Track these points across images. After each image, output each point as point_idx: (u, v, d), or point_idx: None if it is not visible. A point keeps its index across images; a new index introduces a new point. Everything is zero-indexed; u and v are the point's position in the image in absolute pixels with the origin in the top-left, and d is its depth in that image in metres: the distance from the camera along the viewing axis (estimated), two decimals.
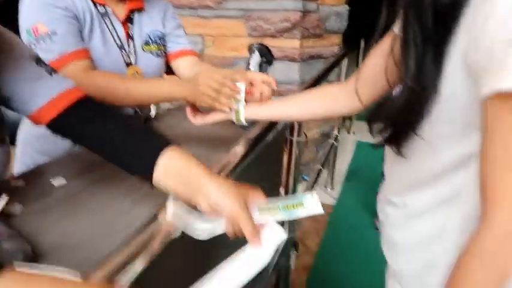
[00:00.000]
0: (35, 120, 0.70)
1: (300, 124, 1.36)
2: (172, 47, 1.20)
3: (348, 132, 3.77)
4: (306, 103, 0.87)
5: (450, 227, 0.62)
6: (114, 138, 0.66)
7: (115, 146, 0.66)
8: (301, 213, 0.59)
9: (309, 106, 0.86)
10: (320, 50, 2.56)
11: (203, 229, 0.57)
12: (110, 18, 1.03)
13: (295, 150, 1.37)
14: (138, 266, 0.51)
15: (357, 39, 2.94)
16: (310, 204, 0.60)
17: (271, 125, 1.08)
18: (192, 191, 0.59)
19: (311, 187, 2.03)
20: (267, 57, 1.30)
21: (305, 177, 2.52)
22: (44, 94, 0.68)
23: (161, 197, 0.61)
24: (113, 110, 0.71)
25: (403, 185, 0.69)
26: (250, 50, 1.28)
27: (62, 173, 0.85)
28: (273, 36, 2.42)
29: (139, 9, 1.11)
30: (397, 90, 0.63)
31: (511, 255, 0.49)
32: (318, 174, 2.08)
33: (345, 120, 3.60)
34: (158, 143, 0.64)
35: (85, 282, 0.44)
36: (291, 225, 1.55)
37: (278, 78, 2.71)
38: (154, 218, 0.58)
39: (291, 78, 2.50)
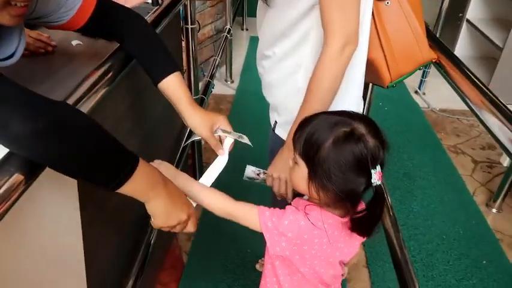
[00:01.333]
0: (66, 28, 0.85)
1: (192, 13, 1.51)
2: None
3: (242, 29, 3.94)
4: None
5: (304, 59, 0.90)
6: (138, 50, 0.90)
7: (141, 51, 0.90)
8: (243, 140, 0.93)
9: None
10: None
11: None
12: None
13: (191, 36, 1.54)
14: None
15: None
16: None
17: (166, 11, 1.22)
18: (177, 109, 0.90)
19: (209, 80, 2.21)
20: None
21: (204, 73, 2.69)
22: (68, 13, 0.81)
23: None
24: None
25: (271, 39, 0.94)
26: None
27: None
28: None
29: None
30: None
31: (340, 64, 0.81)
32: (216, 67, 2.26)
33: (236, 17, 3.72)
34: (174, 62, 0.90)
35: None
36: None
37: None
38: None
39: None
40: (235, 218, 0.85)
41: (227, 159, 0.90)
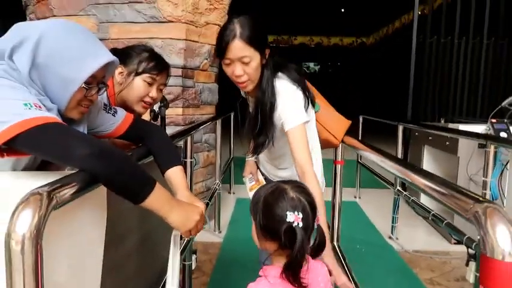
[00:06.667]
0: (108, 136, 1.25)
1: (190, 149, 1.91)
2: None
3: (229, 193, 4.39)
4: None
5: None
6: (156, 149, 1.25)
7: (156, 154, 1.25)
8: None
9: None
10: (198, 117, 3.22)
11: None
12: None
13: (189, 169, 1.90)
14: None
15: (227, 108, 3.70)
16: None
17: None
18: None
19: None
20: (164, 103, 1.87)
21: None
22: (114, 124, 1.24)
23: None
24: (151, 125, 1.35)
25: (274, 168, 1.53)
26: None
27: None
28: None
29: None
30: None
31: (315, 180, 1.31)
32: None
33: (225, 184, 4.21)
34: (179, 159, 1.26)
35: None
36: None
37: None
38: None
39: None
40: None
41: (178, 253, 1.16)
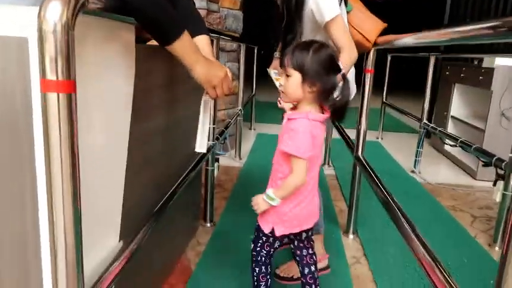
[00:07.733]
0: None
1: (217, 50, 1.86)
2: None
3: (250, 129, 4.39)
4: None
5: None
6: (185, 17, 1.16)
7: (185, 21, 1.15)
8: None
9: None
10: (221, 44, 3.14)
11: None
12: None
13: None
14: None
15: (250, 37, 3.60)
16: None
17: None
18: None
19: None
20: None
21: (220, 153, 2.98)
22: None
23: None
24: None
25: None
26: None
27: None
28: None
29: None
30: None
31: (354, 59, 1.41)
32: (221, 134, 2.51)
33: (246, 122, 4.19)
34: (207, 30, 1.25)
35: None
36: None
37: None
38: None
39: None
40: None
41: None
